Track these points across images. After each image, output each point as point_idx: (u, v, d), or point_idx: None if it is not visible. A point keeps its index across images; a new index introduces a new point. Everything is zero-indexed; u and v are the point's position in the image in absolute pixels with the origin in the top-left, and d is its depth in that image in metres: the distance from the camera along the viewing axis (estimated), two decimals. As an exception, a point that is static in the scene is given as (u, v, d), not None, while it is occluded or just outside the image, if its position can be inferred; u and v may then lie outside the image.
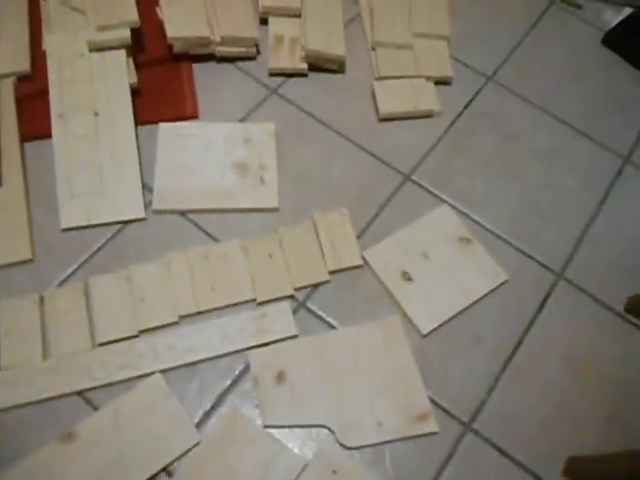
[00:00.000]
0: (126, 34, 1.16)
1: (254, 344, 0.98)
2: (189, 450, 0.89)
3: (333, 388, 0.95)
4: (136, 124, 1.14)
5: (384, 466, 0.91)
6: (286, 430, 0.92)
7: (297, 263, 1.05)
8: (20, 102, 1.17)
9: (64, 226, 1.06)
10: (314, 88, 1.28)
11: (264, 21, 1.33)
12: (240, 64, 1.29)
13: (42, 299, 0.99)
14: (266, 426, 0.92)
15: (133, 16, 1.16)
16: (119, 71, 1.16)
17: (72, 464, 0.86)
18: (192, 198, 1.10)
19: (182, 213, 1.10)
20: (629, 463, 0.88)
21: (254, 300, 1.02)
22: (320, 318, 1.02)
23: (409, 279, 1.06)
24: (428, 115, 1.27)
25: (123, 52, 1.18)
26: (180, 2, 1.24)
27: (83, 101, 1.14)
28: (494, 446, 0.95)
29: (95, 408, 0.91)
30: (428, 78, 1.30)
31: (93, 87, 1.15)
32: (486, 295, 1.07)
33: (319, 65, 1.29)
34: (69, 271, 1.03)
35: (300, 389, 0.95)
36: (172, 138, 1.16)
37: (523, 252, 1.13)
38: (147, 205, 1.09)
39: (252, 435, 0.91)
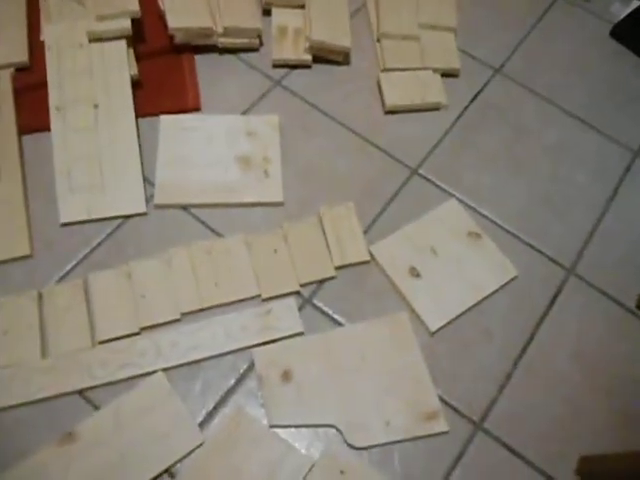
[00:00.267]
0: (126, 24, 1.14)
1: (259, 342, 0.96)
2: (192, 451, 0.87)
3: (340, 387, 0.93)
4: (137, 116, 1.12)
5: (393, 466, 0.90)
6: (292, 430, 0.91)
7: (302, 258, 1.03)
8: (18, 94, 1.15)
9: (63, 221, 1.04)
10: (318, 80, 1.26)
11: (267, 12, 1.31)
12: (243, 55, 1.27)
13: (41, 296, 0.97)
14: (272, 426, 0.90)
15: (133, 6, 1.13)
16: (119, 62, 1.14)
17: (72, 465, 0.85)
18: (194, 192, 1.08)
19: (184, 207, 1.08)
20: (644, 462, 0.86)
21: (259, 296, 1.00)
22: (326, 315, 1.00)
23: (417, 275, 1.04)
24: (435, 108, 1.25)
25: (123, 43, 1.16)
26: (181, -8, 1.21)
27: (82, 93, 1.11)
28: (505, 445, 0.93)
29: (96, 408, 0.89)
30: (435, 70, 1.28)
31: (93, 79, 1.13)
32: (496, 291, 1.05)
33: (323, 56, 1.27)
34: (68, 267, 1.01)
35: (306, 388, 0.93)
36: (174, 131, 1.14)
37: (533, 247, 1.11)
38: (148, 199, 1.08)
39: (257, 435, 0.89)
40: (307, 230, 1.06)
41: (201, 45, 1.24)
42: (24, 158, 1.09)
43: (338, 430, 0.91)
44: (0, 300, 0.95)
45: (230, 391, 0.93)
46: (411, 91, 1.24)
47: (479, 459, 0.91)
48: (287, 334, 0.97)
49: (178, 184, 1.08)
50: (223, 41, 1.24)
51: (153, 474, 0.85)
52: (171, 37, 1.22)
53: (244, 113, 1.20)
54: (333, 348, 0.96)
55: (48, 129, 1.09)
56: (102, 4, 1.13)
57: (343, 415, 0.91)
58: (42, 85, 1.12)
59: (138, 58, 1.19)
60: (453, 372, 0.98)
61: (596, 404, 0.98)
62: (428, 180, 1.17)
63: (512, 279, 1.06)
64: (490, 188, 1.17)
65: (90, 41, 1.14)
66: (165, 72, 1.21)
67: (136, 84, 1.16)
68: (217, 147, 1.13)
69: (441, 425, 0.92)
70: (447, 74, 1.30)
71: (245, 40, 1.25)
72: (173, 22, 1.18)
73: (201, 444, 0.87)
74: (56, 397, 0.89)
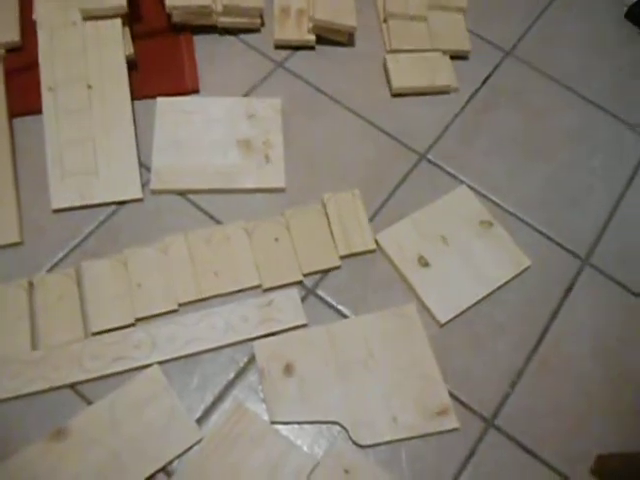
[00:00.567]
0: (122, 2, 1.09)
1: (260, 334, 0.93)
2: (189, 448, 0.84)
3: (345, 381, 0.90)
4: (132, 98, 1.08)
5: (400, 465, 0.86)
6: (295, 427, 0.88)
7: (305, 247, 1.00)
8: (9, 75, 1.11)
9: (55, 207, 1.00)
10: (322, 61, 1.22)
11: (269, -10, 1.26)
12: (244, 36, 1.23)
13: (31, 285, 0.94)
14: (273, 422, 0.87)
15: (129, -18, 1.09)
16: (114, 41, 1.10)
17: (64, 463, 0.81)
18: (192, 177, 1.05)
19: (182, 193, 1.05)
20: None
21: (260, 287, 0.97)
22: (331, 306, 0.97)
23: (426, 264, 1.00)
24: (444, 91, 1.21)
25: (119, 21, 1.11)
26: (180, -32, 1.17)
27: (75, 73, 1.07)
28: (518, 443, 0.90)
29: (88, 402, 0.86)
30: (444, 52, 1.24)
31: (87, 58, 1.09)
32: (508, 282, 1.01)
33: (327, 37, 1.23)
34: (60, 255, 0.98)
35: (310, 382, 0.90)
36: (171, 114, 1.10)
37: (547, 236, 1.07)
38: (144, 185, 1.04)
39: (258, 432, 0.85)
40: (310, 217, 1.03)
41: (200, 25, 1.20)
42: (15, 142, 1.06)
43: (342, 427, 0.88)
44: (-12, 289, 0.92)
45: (229, 386, 0.90)
46: (419, 73, 1.20)
47: (491, 458, 0.88)
48: (289, 326, 0.94)
49: (175, 169, 1.05)
50: (223, 21, 1.19)
51: (148, 473, 0.81)
52: (169, 16, 1.17)
53: (245, 96, 1.16)
54: (337, 341, 0.93)
55: (40, 112, 1.05)
56: (96, -20, 1.09)
57: (348, 411, 0.88)
58: (34, 65, 1.08)
59: (134, 38, 1.14)
60: (463, 366, 0.94)
61: (614, 400, 0.94)
62: (437, 166, 1.13)
63: (525, 269, 1.02)
64: (502, 174, 1.13)
65: (84, 19, 1.10)
66: (162, 53, 1.17)
67: (132, 65, 1.12)
68: (216, 131, 1.09)
69: (451, 422, 0.89)
70: (456, 56, 1.25)
71: (246, 20, 1.21)
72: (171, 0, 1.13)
73: (199, 441, 0.84)
74: (47, 391, 0.86)
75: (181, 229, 1.00)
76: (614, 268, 1.06)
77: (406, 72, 1.19)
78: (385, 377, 0.91)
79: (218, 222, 1.02)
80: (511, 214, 1.08)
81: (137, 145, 1.05)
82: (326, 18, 1.18)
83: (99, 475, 0.81)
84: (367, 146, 1.13)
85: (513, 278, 1.01)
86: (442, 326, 0.96)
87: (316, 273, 0.99)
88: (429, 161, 1.13)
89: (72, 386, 0.87)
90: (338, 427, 0.88)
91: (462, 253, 1.02)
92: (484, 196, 1.10)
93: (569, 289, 1.03)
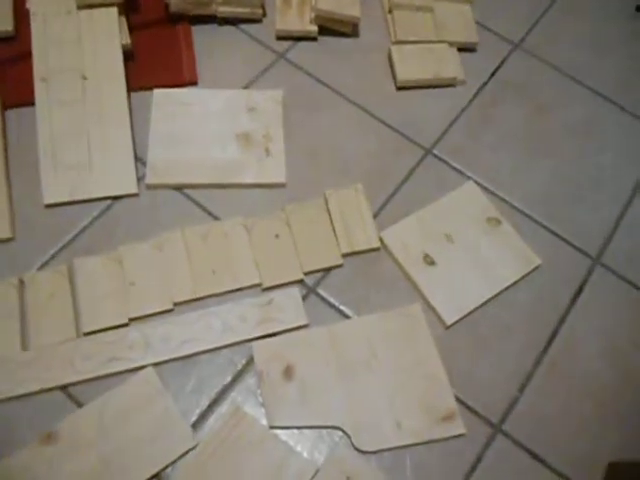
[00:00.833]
0: (118, -10, 1.07)
1: (259, 334, 0.90)
2: (184, 454, 0.81)
3: (347, 385, 0.87)
4: (128, 90, 1.06)
5: (404, 472, 0.84)
6: (295, 432, 0.85)
7: (307, 245, 0.97)
8: (2, 65, 1.08)
9: (47, 202, 0.98)
10: (325, 53, 1.19)
11: (270, -21, 1.24)
12: (244, 27, 1.20)
13: (22, 282, 0.91)
14: (272, 427, 0.85)
15: (125, -30, 1.06)
16: (110, 31, 1.08)
17: (53, 468, 0.79)
18: (190, 172, 1.02)
19: (178, 188, 1.02)
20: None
21: (259, 285, 0.94)
22: (332, 306, 0.95)
23: (432, 263, 0.97)
24: (451, 84, 1.18)
25: (114, 10, 1.09)
26: (178, -44, 1.14)
27: (69, 63, 1.05)
28: (526, 449, 0.87)
29: (79, 405, 0.84)
30: (450, 44, 1.20)
31: (81, 48, 1.06)
32: (517, 282, 0.98)
33: (330, 27, 1.20)
34: (52, 252, 0.95)
35: (310, 385, 0.87)
36: (168, 106, 1.07)
37: (556, 234, 1.04)
38: (140, 179, 1.02)
39: (256, 437, 0.83)
40: (312, 214, 1.00)
41: (199, 15, 1.17)
42: (7, 134, 1.03)
43: (344, 432, 0.85)
44: (-23, 287, 0.89)
45: (227, 388, 0.88)
46: (425, 66, 1.17)
47: (498, 464, 0.86)
48: (290, 326, 0.91)
49: (172, 163, 1.02)
50: (223, 10, 1.16)
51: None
52: (166, 5, 1.15)
53: (245, 88, 1.13)
54: (339, 342, 0.90)
55: (33, 103, 1.03)
56: (92, -32, 1.06)
57: (350, 416, 0.85)
58: (27, 56, 1.05)
59: (131, 28, 1.12)
60: (470, 369, 0.91)
61: (626, 405, 0.91)
62: (443, 161, 1.10)
63: (534, 269, 0.99)
64: (510, 170, 1.10)
65: (78, 8, 1.08)
66: (160, 43, 1.14)
67: (128, 56, 1.09)
68: (214, 123, 1.06)
69: (458, 427, 0.86)
70: (463, 48, 1.22)
71: (246, 10, 1.18)
72: (168, -12, 1.11)
73: (194, 447, 0.82)
74: (36, 393, 0.84)
75: (177, 225, 0.97)
76: (626, 268, 1.03)
77: (412, 64, 1.16)
78: (389, 380, 0.88)
79: (216, 218, 1.00)
80: (519, 211, 1.05)
81: (133, 138, 1.03)
82: (328, 8, 1.15)
83: (90, 481, 0.78)
84: (371, 140, 1.10)
85: (522, 278, 0.98)
86: (448, 327, 0.93)
87: (317, 271, 0.97)
88: (435, 156, 1.10)
89: (63, 388, 0.85)
90: (340, 432, 0.85)
91: (469, 251, 0.99)
92: (491, 192, 1.07)
93: (580, 289, 1.00)
